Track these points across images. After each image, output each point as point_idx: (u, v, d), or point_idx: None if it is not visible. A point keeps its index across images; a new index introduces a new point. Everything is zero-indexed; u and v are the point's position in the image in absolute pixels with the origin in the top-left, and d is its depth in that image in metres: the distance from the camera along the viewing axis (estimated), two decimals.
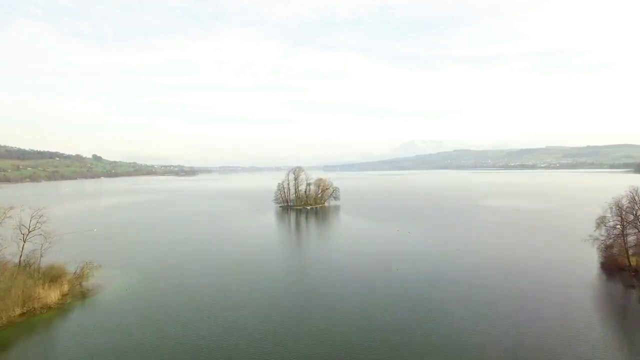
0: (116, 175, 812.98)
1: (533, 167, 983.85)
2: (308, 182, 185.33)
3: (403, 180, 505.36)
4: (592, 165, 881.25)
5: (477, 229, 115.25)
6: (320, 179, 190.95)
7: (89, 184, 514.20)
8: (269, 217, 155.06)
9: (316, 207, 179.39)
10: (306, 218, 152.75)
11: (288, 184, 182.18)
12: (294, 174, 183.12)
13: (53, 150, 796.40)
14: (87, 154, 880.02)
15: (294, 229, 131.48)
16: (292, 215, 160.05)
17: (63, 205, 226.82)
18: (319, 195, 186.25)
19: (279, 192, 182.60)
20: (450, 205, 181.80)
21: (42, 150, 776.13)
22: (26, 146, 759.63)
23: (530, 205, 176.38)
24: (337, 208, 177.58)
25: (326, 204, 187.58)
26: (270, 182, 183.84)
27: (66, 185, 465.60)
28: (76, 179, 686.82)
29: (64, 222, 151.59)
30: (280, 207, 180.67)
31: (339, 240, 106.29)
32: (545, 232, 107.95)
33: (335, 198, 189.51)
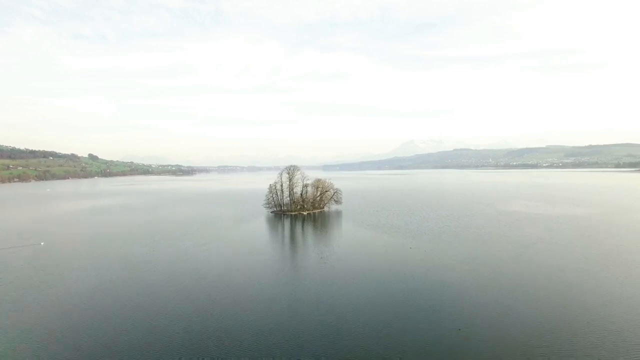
0: (110, 175, 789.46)
1: (536, 166, 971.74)
2: (305, 183, 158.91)
3: (407, 180, 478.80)
4: (596, 165, 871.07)
5: (522, 247, 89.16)
6: (319, 180, 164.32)
7: (77, 184, 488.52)
8: (257, 227, 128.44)
9: (314, 213, 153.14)
10: (302, 227, 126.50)
11: (281, 186, 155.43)
12: (288, 173, 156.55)
13: (49, 150, 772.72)
14: (84, 153, 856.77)
15: (288, 244, 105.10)
16: (286, 224, 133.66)
17: (29, 210, 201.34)
18: (318, 199, 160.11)
19: (271, 194, 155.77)
20: (469, 211, 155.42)
21: (35, 149, 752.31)
22: (25, 147, 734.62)
23: (568, 211, 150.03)
24: (338, 214, 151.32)
25: (326, 208, 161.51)
26: (267, 183, 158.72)
27: (49, 186, 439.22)
28: (68, 178, 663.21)
29: (15, 232, 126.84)
30: (271, 212, 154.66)
31: (340, 261, 79.86)
32: (622, 254, 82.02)
33: (336, 201, 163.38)
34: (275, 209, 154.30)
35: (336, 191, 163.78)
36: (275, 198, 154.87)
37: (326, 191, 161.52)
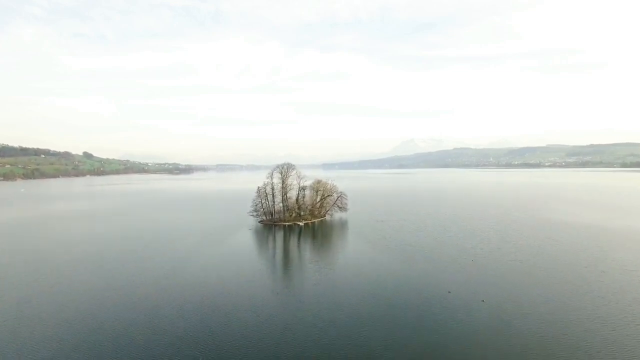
0: (104, 173, 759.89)
1: (538, 165, 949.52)
2: (302, 185, 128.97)
3: (411, 180, 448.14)
4: (601, 164, 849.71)
5: None
6: (319, 182, 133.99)
7: (63, 184, 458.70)
8: (237, 244, 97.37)
9: (313, 223, 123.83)
10: (298, 244, 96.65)
11: (272, 189, 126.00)
12: (281, 173, 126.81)
13: (43, 148, 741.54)
14: (80, 152, 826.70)
15: (279, 270, 75.74)
16: (277, 238, 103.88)
17: None
18: (318, 205, 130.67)
19: (259, 200, 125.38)
20: (510, 222, 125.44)
21: (28, 147, 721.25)
22: (18, 145, 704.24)
23: (629, 221, 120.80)
24: (343, 225, 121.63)
25: (327, 216, 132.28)
26: (265, 182, 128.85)
27: (30, 185, 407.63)
28: (59, 177, 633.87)
29: None
30: (260, 222, 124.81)
31: (346, 309, 50.75)
32: None
33: (340, 208, 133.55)
34: (264, 218, 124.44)
35: (340, 195, 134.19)
36: (264, 204, 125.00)
37: (328, 195, 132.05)
